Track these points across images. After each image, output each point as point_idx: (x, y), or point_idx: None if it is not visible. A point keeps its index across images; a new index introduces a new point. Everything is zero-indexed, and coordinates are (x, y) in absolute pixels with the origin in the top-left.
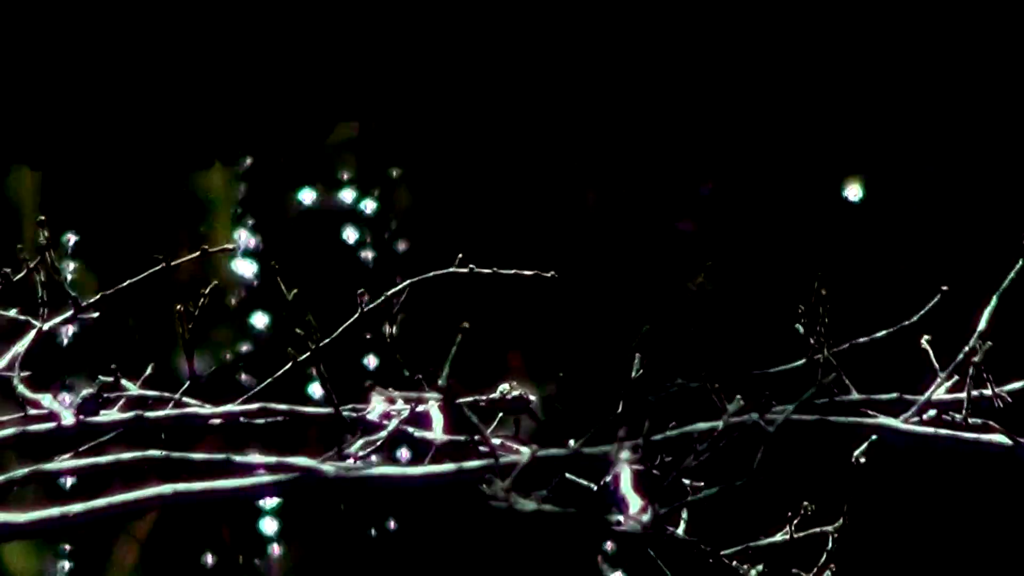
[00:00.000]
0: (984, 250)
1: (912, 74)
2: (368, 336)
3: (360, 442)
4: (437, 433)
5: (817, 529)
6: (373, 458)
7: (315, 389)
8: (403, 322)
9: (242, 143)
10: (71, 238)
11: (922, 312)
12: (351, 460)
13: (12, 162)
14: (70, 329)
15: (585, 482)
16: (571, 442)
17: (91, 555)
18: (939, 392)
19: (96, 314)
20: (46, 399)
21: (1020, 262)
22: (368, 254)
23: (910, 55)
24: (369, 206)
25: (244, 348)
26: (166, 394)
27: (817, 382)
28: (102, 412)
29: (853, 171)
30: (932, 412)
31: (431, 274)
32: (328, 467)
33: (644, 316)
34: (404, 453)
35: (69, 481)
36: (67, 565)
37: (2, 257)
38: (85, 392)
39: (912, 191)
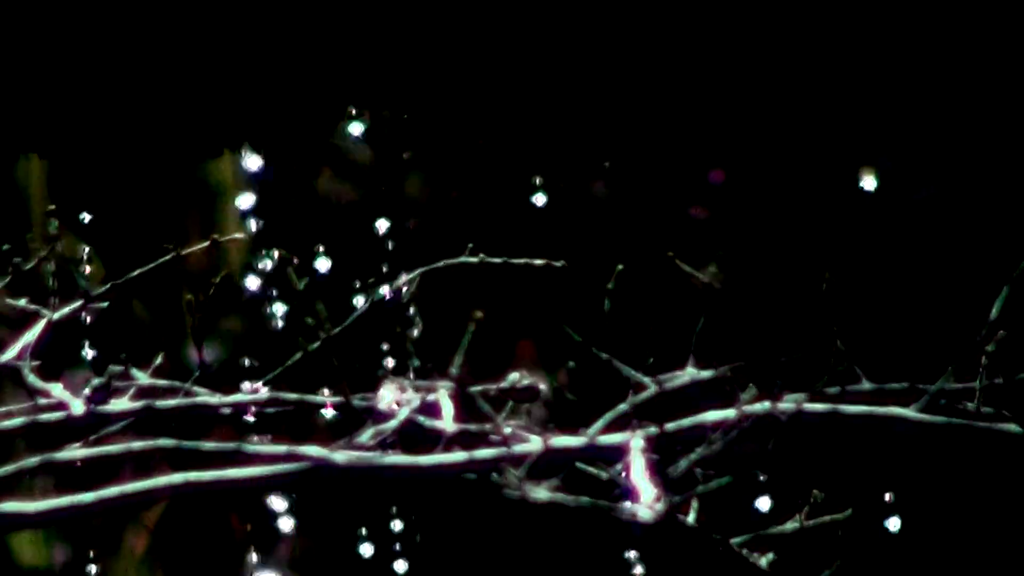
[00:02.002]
0: (996, 239)
1: (924, 60)
2: (378, 325)
3: (371, 431)
4: (448, 422)
5: (828, 518)
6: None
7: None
8: (414, 311)
9: (252, 132)
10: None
11: (934, 302)
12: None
13: (21, 151)
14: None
15: (596, 471)
16: (582, 431)
17: (101, 543)
18: (951, 381)
19: (106, 304)
20: (56, 388)
21: None
22: (379, 243)
23: (922, 41)
24: (379, 195)
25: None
26: (176, 383)
27: (829, 372)
28: (112, 401)
29: (866, 160)
30: (944, 401)
31: (441, 263)
32: (339, 456)
33: (656, 305)
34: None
35: (79, 470)
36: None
37: (11, 246)
38: (95, 382)
39: (924, 180)
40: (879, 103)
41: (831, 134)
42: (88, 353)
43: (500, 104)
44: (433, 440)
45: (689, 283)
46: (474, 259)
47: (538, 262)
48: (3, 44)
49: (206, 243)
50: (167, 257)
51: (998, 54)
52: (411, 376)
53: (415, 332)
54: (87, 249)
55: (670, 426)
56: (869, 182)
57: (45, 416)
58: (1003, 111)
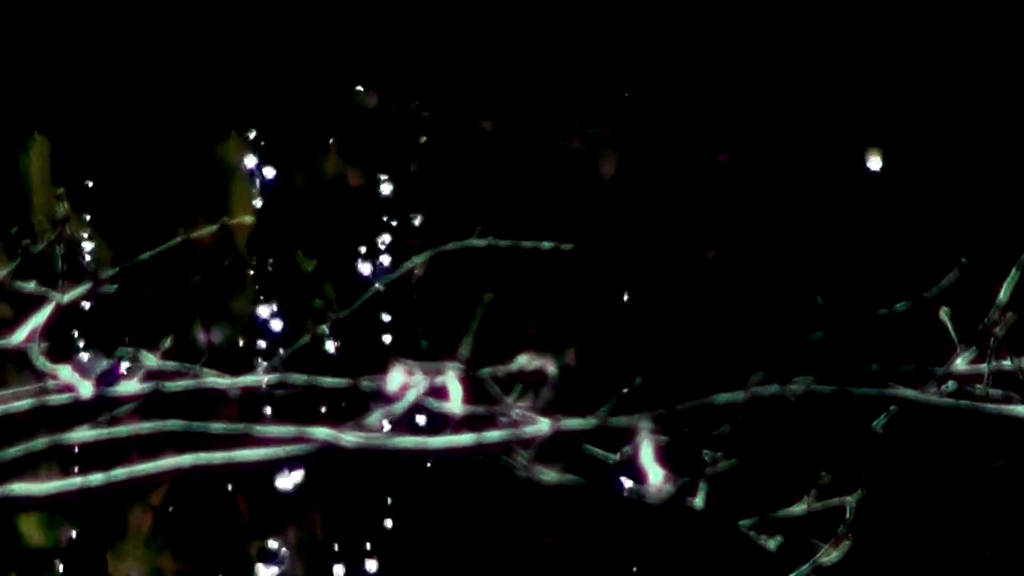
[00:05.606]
0: (1004, 223)
1: (932, 43)
2: (387, 308)
3: (379, 413)
4: (456, 405)
5: (836, 500)
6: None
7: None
8: (421, 294)
9: (259, 115)
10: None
11: (942, 284)
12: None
13: (27, 132)
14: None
15: (604, 453)
16: (591, 414)
17: (107, 524)
18: (959, 364)
19: (115, 287)
20: (65, 371)
21: None
22: (386, 226)
23: (931, 24)
24: (387, 178)
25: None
26: (185, 365)
27: (838, 354)
28: (121, 384)
29: (873, 143)
30: (952, 384)
31: (450, 246)
32: (347, 438)
33: (664, 288)
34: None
35: (88, 452)
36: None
37: (18, 229)
38: (104, 364)
39: (932, 163)
40: (883, 86)
41: (836, 117)
42: (96, 336)
43: (508, 89)
44: (442, 422)
45: (698, 266)
46: (482, 242)
47: (546, 245)
48: (10, 26)
49: (215, 226)
50: (176, 240)
51: (1000, 39)
52: (419, 359)
53: (423, 315)
54: (91, 231)
55: (679, 408)
56: (874, 163)
57: (54, 398)
58: (1008, 98)
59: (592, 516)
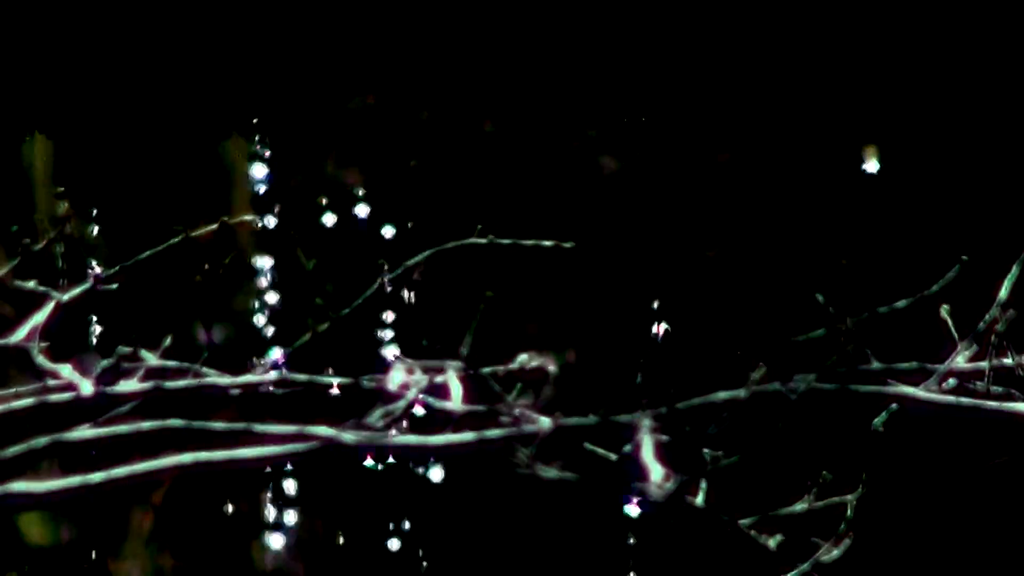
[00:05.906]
0: (1004, 219)
1: (931, 41)
2: (387, 306)
3: (380, 412)
4: (456, 403)
5: (836, 498)
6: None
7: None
8: (422, 292)
9: (259, 114)
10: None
11: (942, 282)
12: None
13: (27, 130)
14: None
15: (603, 451)
16: (591, 411)
17: (107, 523)
18: (959, 361)
19: (115, 285)
20: (65, 370)
21: None
22: (386, 224)
23: (931, 22)
24: (387, 176)
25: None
26: (185, 364)
27: (838, 351)
28: (121, 383)
29: (873, 141)
30: (953, 381)
31: (450, 244)
32: (349, 436)
33: (664, 286)
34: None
35: (89, 451)
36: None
37: (20, 227)
38: (104, 363)
39: (932, 161)
40: (883, 83)
41: (836, 114)
42: (97, 334)
43: (508, 89)
44: (443, 421)
45: (697, 261)
46: (483, 240)
47: (547, 243)
48: (10, 23)
49: (215, 225)
50: (176, 239)
51: (998, 36)
52: (419, 357)
53: (423, 313)
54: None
55: (680, 405)
56: (874, 161)
57: (54, 397)
58: (1008, 97)
59: (592, 514)
